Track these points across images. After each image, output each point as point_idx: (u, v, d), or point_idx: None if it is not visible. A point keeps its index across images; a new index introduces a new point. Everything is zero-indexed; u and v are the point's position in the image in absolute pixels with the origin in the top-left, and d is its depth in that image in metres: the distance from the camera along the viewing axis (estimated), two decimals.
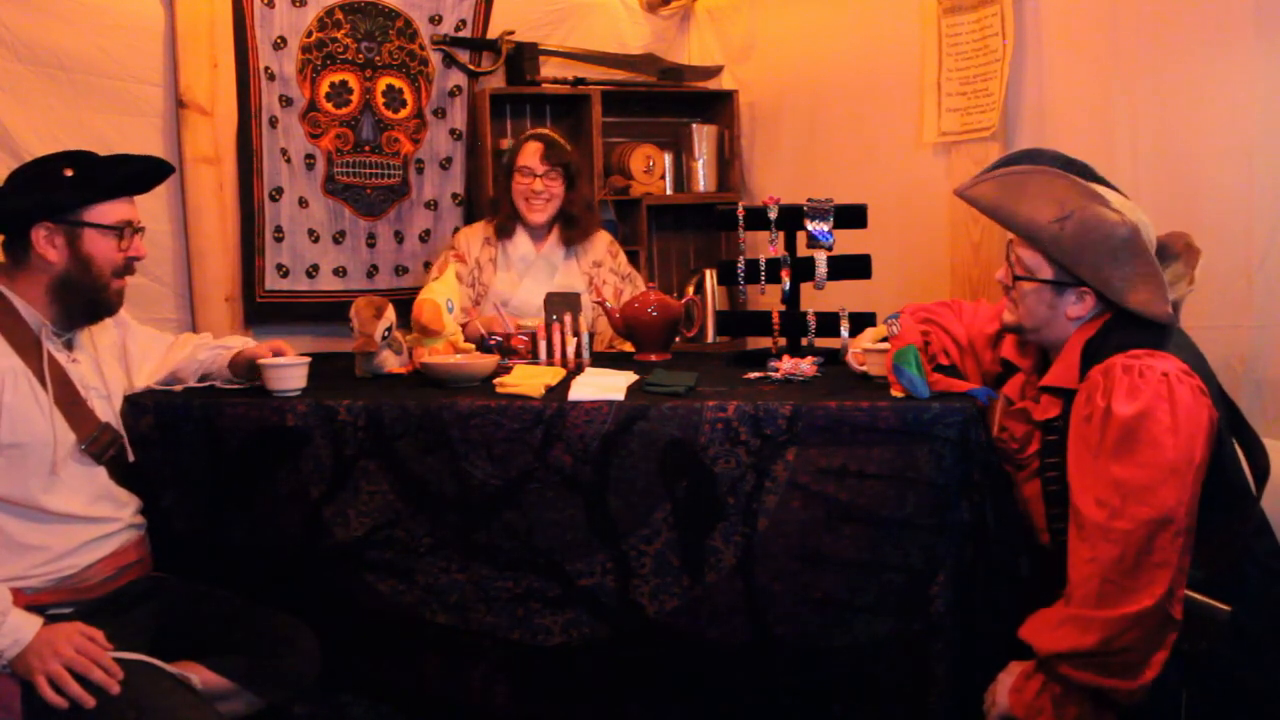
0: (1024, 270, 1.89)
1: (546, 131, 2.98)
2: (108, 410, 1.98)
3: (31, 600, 1.79)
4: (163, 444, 2.07)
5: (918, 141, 3.04)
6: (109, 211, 1.91)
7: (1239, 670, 1.72)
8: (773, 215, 2.49)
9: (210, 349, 2.25)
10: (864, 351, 2.15)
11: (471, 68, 3.49)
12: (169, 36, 2.99)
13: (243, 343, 2.30)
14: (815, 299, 2.53)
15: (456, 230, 3.35)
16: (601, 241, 3.04)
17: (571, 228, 2.94)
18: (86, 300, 1.93)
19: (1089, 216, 1.78)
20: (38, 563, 1.82)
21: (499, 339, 2.49)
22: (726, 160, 3.84)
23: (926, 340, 2.19)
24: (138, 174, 2.00)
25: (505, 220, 2.94)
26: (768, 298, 2.58)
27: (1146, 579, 1.63)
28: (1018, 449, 1.97)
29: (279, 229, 3.22)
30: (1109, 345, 1.78)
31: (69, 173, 1.88)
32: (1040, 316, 1.89)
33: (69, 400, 1.89)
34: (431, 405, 2.03)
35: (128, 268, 1.97)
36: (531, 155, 2.88)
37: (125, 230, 1.94)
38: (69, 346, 1.96)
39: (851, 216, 2.47)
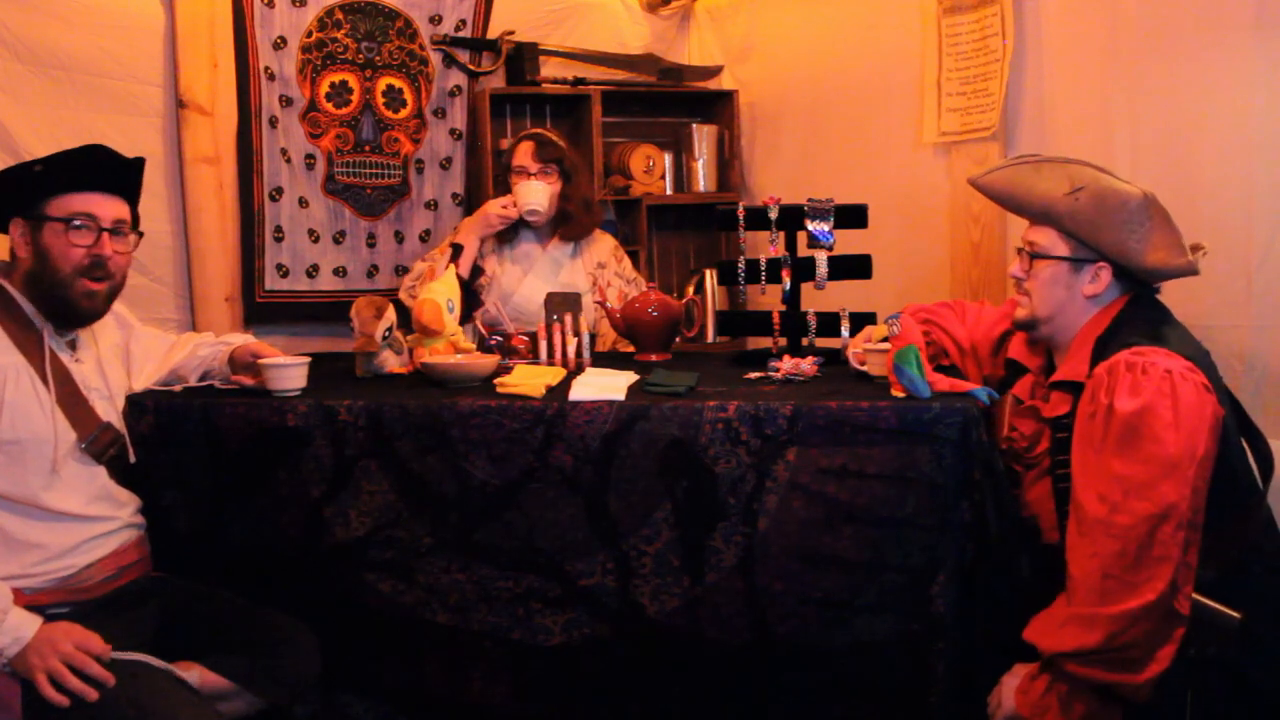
0: (1039, 251, 1.92)
1: (538, 130, 3.00)
2: (110, 411, 1.98)
3: (31, 600, 1.79)
4: (163, 444, 2.07)
5: (918, 141, 3.04)
6: (64, 204, 1.87)
7: (1246, 670, 1.72)
8: (773, 215, 2.48)
9: (210, 346, 2.25)
10: (864, 351, 2.16)
11: (471, 68, 3.49)
12: (169, 36, 2.99)
13: (243, 339, 2.30)
14: (815, 299, 2.53)
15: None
16: (607, 244, 3.04)
17: (567, 223, 2.94)
18: (51, 298, 1.88)
19: (1103, 187, 1.83)
20: (36, 561, 1.82)
21: (499, 339, 2.49)
22: (726, 160, 3.84)
23: (928, 339, 2.19)
24: (94, 166, 1.92)
25: (505, 226, 2.94)
26: (768, 298, 2.57)
27: (1148, 573, 1.64)
28: (1027, 447, 1.98)
29: (279, 229, 3.22)
30: (1117, 341, 1.79)
31: (37, 168, 1.87)
32: (1055, 300, 1.91)
33: (70, 399, 1.89)
34: (432, 405, 2.03)
35: (95, 266, 1.88)
36: (525, 155, 2.89)
37: (78, 220, 1.86)
38: (72, 346, 1.96)
39: (852, 216, 2.47)
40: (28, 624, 1.70)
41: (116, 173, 1.96)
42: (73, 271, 1.87)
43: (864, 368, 2.15)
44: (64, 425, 1.86)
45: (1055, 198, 1.87)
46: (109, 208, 1.91)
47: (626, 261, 3.06)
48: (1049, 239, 1.91)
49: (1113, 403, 1.70)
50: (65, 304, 1.89)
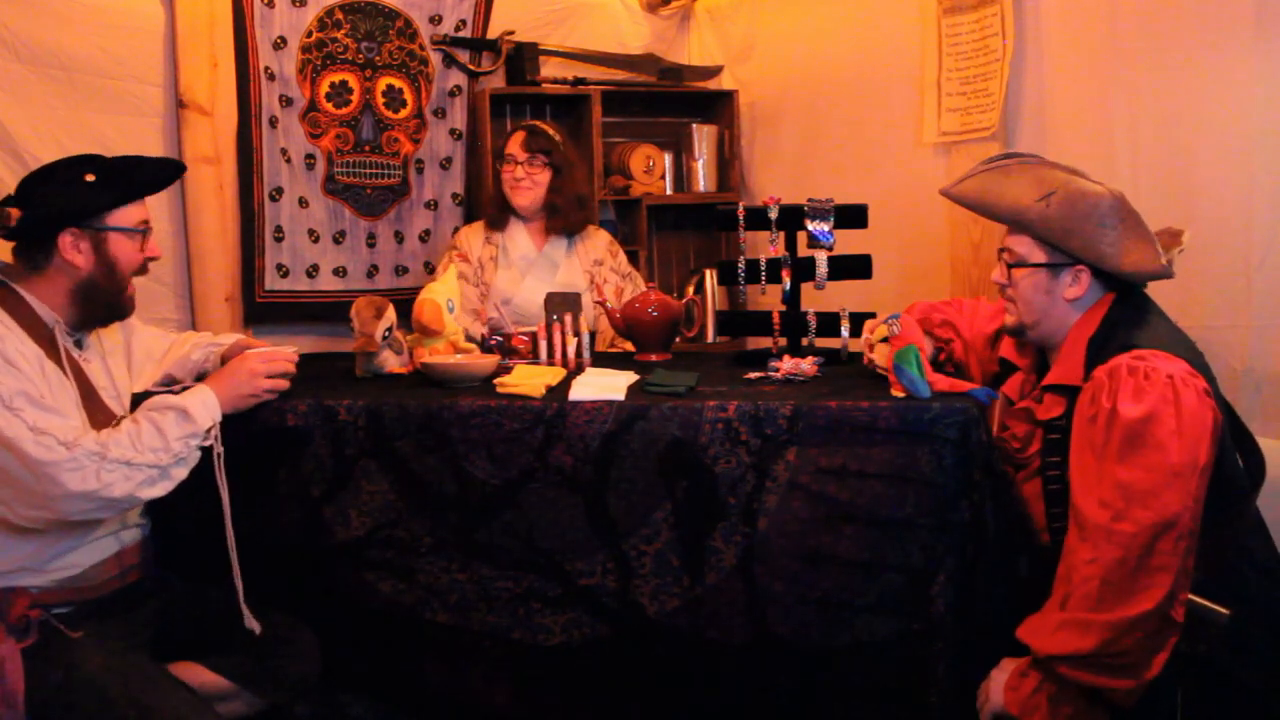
0: (1016, 259, 1.91)
1: (533, 121, 3.02)
2: (119, 409, 1.98)
3: (37, 599, 1.79)
4: None
5: (918, 141, 3.04)
6: (130, 214, 1.94)
7: (1235, 670, 1.72)
8: (773, 215, 2.48)
9: (203, 349, 2.25)
10: (873, 340, 2.15)
11: (471, 68, 3.49)
12: (169, 36, 2.99)
13: (235, 339, 2.29)
14: (815, 299, 2.53)
15: (457, 230, 3.35)
16: (602, 240, 3.05)
17: (554, 217, 2.94)
18: (107, 303, 1.95)
19: (1072, 190, 1.82)
20: (39, 550, 1.81)
21: (499, 339, 2.49)
22: (726, 160, 3.84)
23: (950, 344, 2.20)
24: (155, 175, 2.04)
25: (496, 211, 2.96)
26: (768, 298, 2.57)
27: (1146, 582, 1.63)
28: (1019, 448, 1.98)
29: (279, 229, 3.22)
30: (1113, 344, 1.78)
31: (90, 178, 1.89)
32: (1038, 306, 1.90)
33: (88, 395, 1.90)
34: (432, 405, 2.03)
35: (143, 268, 1.99)
36: (514, 143, 2.93)
37: (143, 229, 1.96)
38: (79, 346, 1.96)
39: (852, 216, 2.47)
40: (207, 397, 1.90)
41: (170, 181, 2.11)
42: (129, 274, 1.96)
43: (874, 357, 2.13)
44: (85, 421, 1.86)
45: (1025, 205, 1.85)
46: (148, 210, 2.01)
47: (622, 256, 3.07)
48: (1025, 246, 1.90)
49: (1116, 407, 1.69)
50: (116, 306, 1.98)
